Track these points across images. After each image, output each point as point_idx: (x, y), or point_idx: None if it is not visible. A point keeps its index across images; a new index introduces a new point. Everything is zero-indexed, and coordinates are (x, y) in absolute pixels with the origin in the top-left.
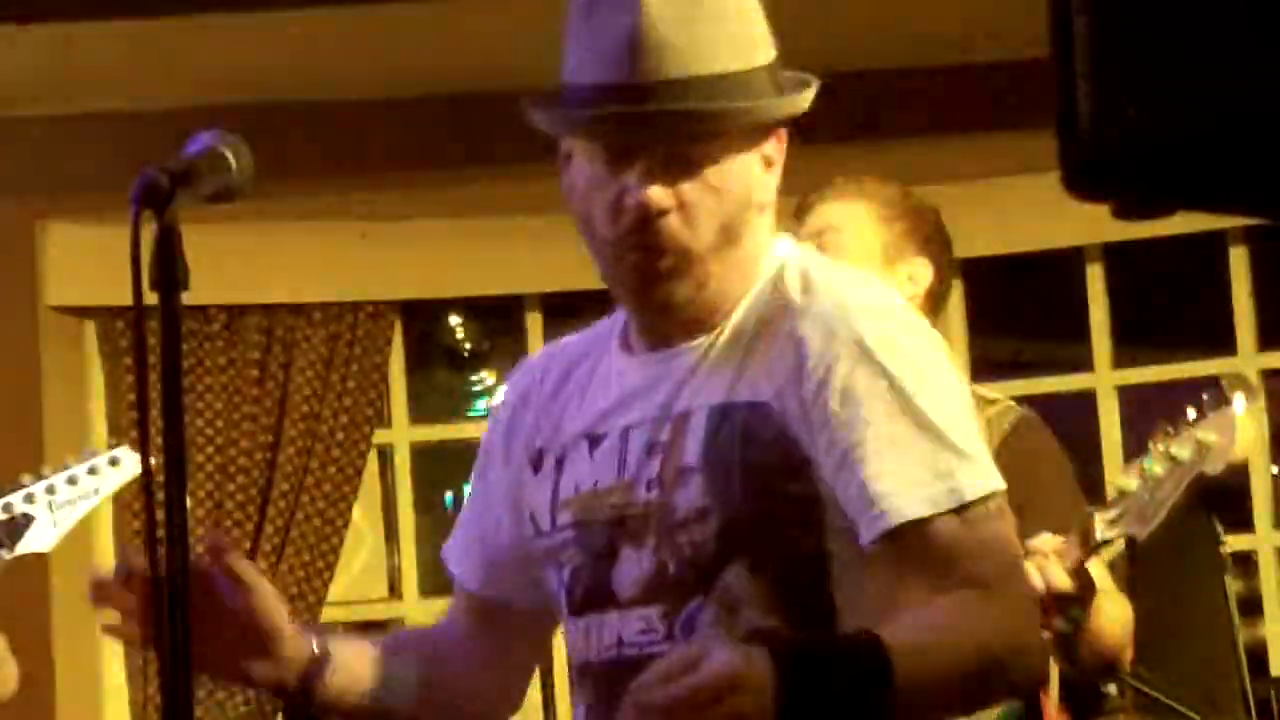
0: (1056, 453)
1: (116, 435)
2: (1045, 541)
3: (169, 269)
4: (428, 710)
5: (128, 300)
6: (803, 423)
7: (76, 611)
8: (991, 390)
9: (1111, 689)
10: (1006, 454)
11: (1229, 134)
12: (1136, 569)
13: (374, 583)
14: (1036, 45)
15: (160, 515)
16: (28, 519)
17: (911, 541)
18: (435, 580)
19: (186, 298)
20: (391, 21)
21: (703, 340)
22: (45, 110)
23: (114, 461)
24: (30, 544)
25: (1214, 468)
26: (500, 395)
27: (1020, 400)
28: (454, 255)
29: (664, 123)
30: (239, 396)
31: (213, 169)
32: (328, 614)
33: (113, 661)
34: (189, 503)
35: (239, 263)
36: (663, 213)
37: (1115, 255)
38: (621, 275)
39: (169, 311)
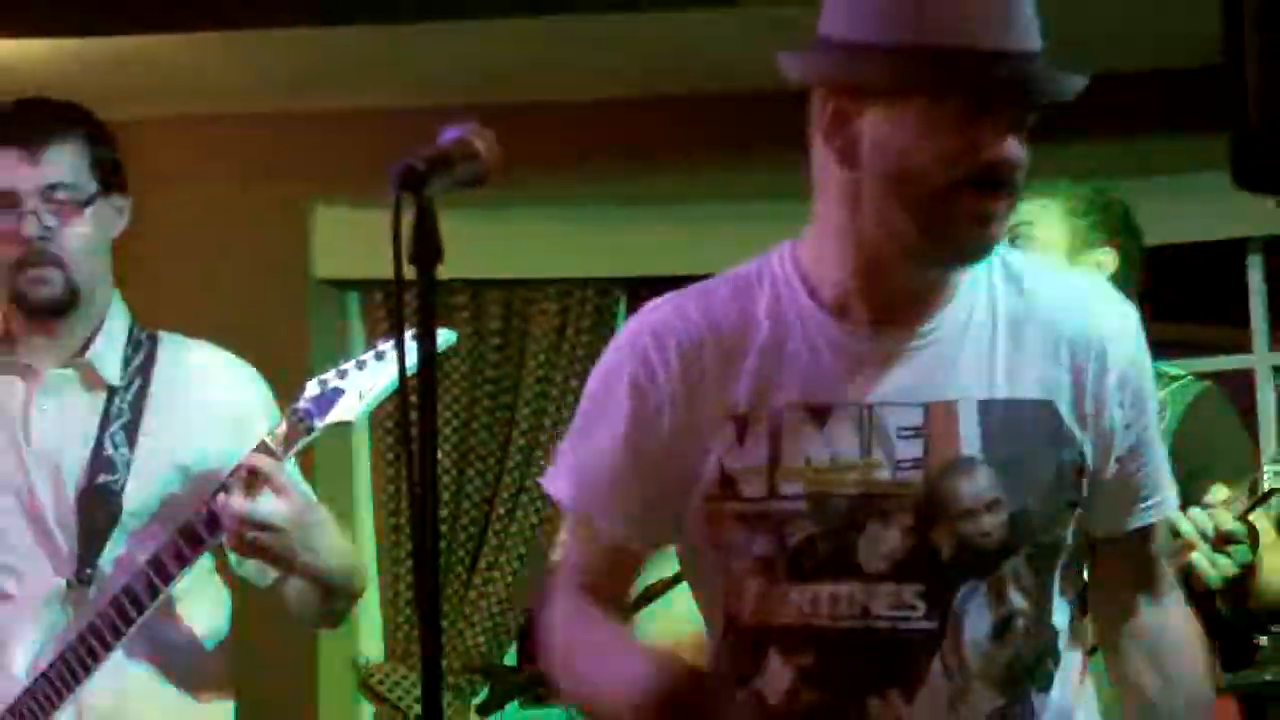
0: (1235, 422)
1: None
2: (1216, 492)
3: (425, 244)
4: None
5: (387, 273)
6: (1079, 424)
7: None
8: (1172, 366)
9: (1264, 641)
10: (1191, 423)
11: None
12: None
13: None
14: (1203, 54)
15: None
16: (338, 392)
17: (1153, 534)
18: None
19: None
20: (619, 28)
21: (934, 322)
22: (317, 106)
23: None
24: (338, 414)
25: None
26: (640, 348)
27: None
28: (676, 237)
29: (1032, 87)
30: (482, 362)
31: (463, 156)
32: None
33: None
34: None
35: (480, 241)
36: (1022, 165)
37: (1275, 246)
38: (950, 217)
39: (427, 282)
